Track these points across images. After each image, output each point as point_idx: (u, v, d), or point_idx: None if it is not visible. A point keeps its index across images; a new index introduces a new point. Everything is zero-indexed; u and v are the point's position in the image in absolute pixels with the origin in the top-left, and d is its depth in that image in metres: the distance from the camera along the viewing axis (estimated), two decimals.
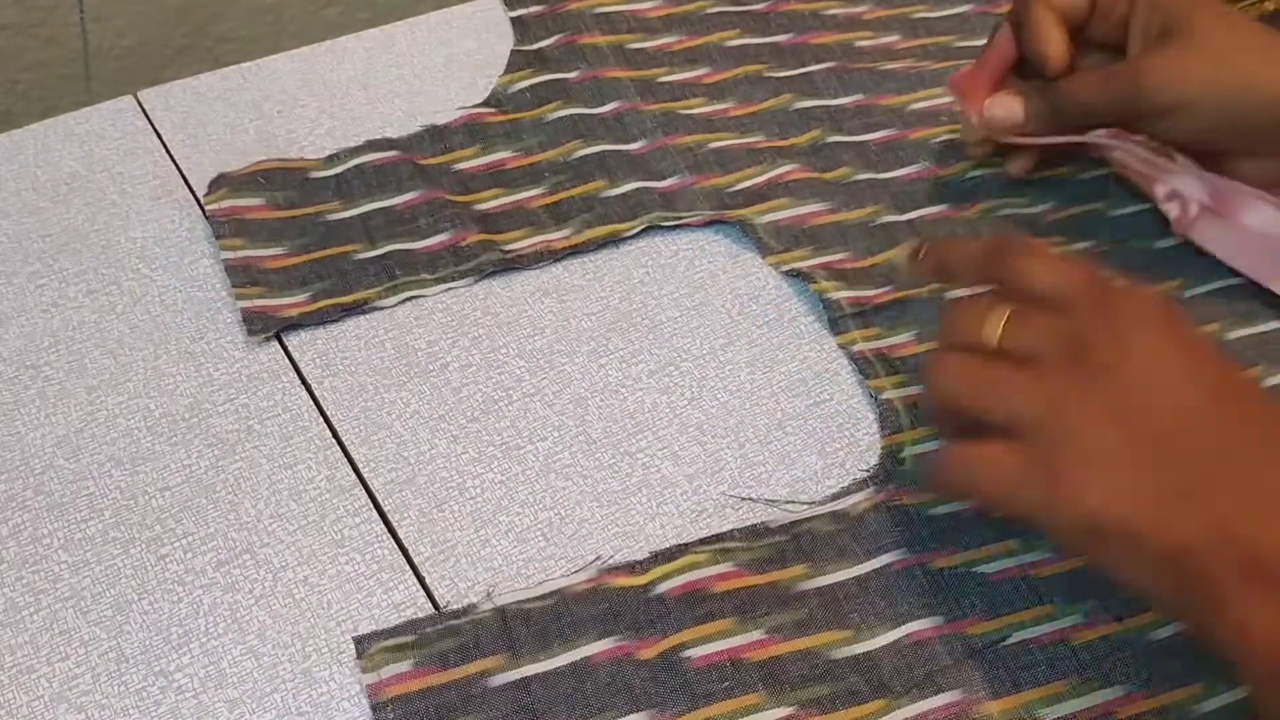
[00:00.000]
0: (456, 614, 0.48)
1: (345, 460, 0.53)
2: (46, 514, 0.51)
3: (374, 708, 0.46)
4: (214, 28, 0.91)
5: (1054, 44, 0.57)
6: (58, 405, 0.54)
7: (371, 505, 0.52)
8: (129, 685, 0.47)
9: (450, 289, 0.59)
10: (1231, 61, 0.54)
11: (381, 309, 0.58)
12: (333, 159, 0.63)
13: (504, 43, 0.70)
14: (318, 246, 0.59)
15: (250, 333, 0.56)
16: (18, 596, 0.49)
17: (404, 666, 0.47)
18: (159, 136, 0.64)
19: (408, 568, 0.50)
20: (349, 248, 0.60)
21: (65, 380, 0.55)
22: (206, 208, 0.60)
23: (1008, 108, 0.59)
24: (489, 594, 0.49)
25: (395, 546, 0.51)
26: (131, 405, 0.54)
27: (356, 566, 0.50)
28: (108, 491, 0.52)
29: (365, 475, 0.53)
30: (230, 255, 0.58)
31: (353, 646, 0.48)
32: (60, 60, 0.87)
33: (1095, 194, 0.64)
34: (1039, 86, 0.58)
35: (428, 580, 0.50)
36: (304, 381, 0.56)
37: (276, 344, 0.57)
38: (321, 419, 0.54)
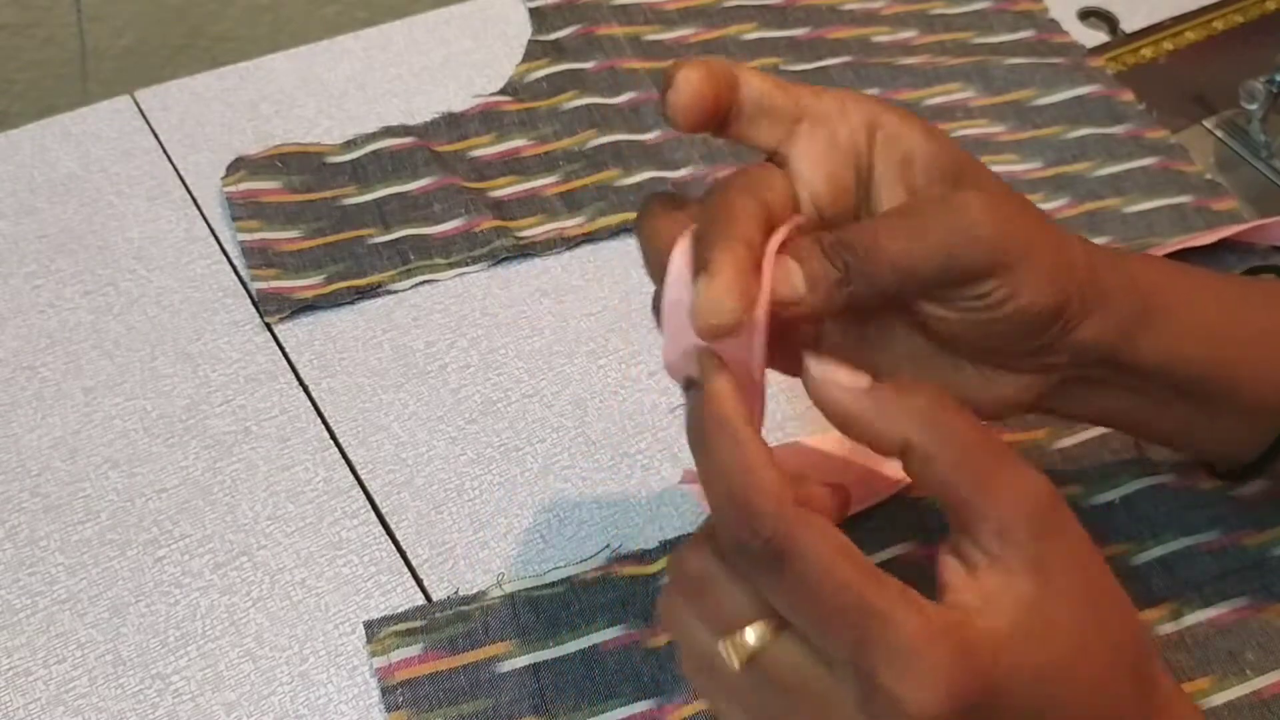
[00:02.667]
0: (466, 600, 0.49)
1: (343, 462, 0.53)
2: (43, 516, 0.51)
3: (383, 691, 0.46)
4: (211, 27, 0.90)
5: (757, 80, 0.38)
6: (54, 406, 0.54)
7: (369, 507, 0.52)
8: (126, 688, 0.47)
9: (463, 273, 0.59)
10: (1036, 215, 0.38)
11: (394, 292, 0.58)
12: (350, 144, 0.63)
13: (502, 42, 0.69)
14: (333, 230, 0.60)
15: (265, 314, 0.57)
16: (14, 599, 0.49)
17: (413, 651, 0.47)
18: (156, 137, 0.64)
19: (406, 570, 0.50)
20: (364, 231, 0.60)
21: (62, 381, 0.55)
22: (224, 190, 0.61)
23: (782, 275, 0.36)
24: (499, 581, 0.50)
25: (393, 548, 0.51)
26: (128, 406, 0.54)
27: (354, 569, 0.50)
28: (105, 493, 0.52)
29: (363, 477, 0.53)
30: (247, 237, 0.59)
31: (350, 649, 0.48)
32: (57, 60, 0.87)
33: (1112, 190, 0.64)
34: (824, 243, 0.36)
35: (426, 583, 0.50)
36: (301, 383, 0.55)
37: (274, 345, 0.56)
38: (319, 420, 0.54)
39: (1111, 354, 0.40)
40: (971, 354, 0.40)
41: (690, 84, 0.36)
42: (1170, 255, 0.60)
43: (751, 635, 0.34)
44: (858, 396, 0.35)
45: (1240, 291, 0.44)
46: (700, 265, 0.34)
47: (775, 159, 0.39)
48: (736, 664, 0.34)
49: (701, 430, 0.34)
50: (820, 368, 0.36)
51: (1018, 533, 0.33)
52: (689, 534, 0.51)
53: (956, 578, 0.34)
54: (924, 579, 0.50)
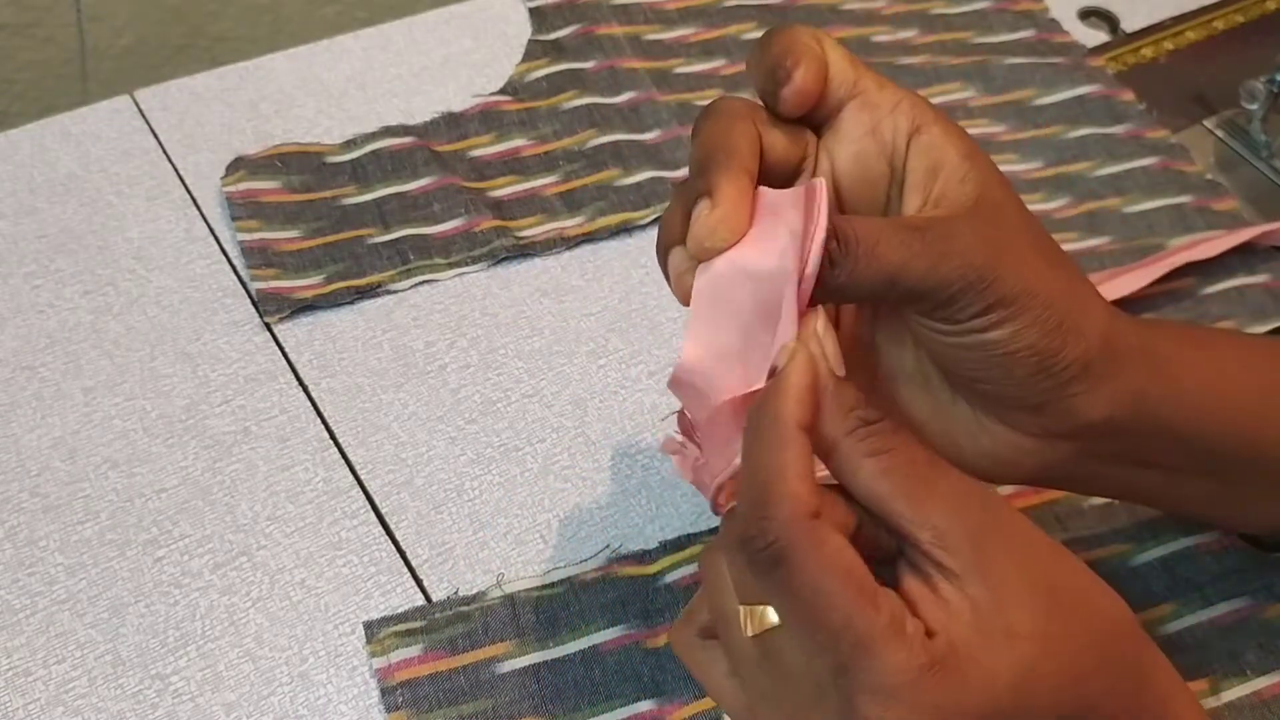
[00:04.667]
0: (466, 600, 0.49)
1: (343, 462, 0.53)
2: (43, 516, 0.51)
3: (383, 692, 0.46)
4: (211, 27, 0.90)
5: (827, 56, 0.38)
6: (54, 406, 0.54)
7: (369, 507, 0.52)
8: (125, 688, 0.47)
9: (463, 273, 0.59)
10: (1053, 265, 0.37)
11: (394, 292, 0.58)
12: (349, 144, 0.63)
13: (502, 41, 0.69)
14: (333, 230, 0.60)
15: (265, 314, 0.57)
16: (14, 599, 0.49)
17: (413, 651, 0.47)
18: (155, 137, 0.64)
19: (405, 570, 0.50)
20: (363, 231, 0.60)
21: (61, 382, 0.55)
22: (224, 189, 0.61)
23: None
24: (498, 581, 0.49)
25: (393, 549, 0.51)
26: (128, 407, 0.54)
27: (354, 569, 0.50)
28: (104, 493, 0.52)
29: (363, 477, 0.53)
30: (246, 237, 0.59)
31: (350, 649, 0.48)
32: (57, 60, 0.87)
33: (1112, 190, 0.64)
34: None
35: (425, 583, 0.50)
36: (301, 383, 0.55)
37: (273, 345, 0.56)
38: (319, 420, 0.54)
39: (1126, 425, 0.39)
40: (969, 395, 0.39)
41: (808, 81, 0.38)
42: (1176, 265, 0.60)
43: (774, 615, 0.34)
44: (823, 374, 0.35)
45: (1268, 354, 0.43)
46: (703, 190, 0.36)
47: (814, 127, 0.39)
48: (750, 633, 0.34)
49: (758, 420, 0.34)
50: (821, 335, 0.35)
51: (954, 539, 0.33)
52: (689, 534, 0.51)
53: (917, 590, 0.34)
54: None
